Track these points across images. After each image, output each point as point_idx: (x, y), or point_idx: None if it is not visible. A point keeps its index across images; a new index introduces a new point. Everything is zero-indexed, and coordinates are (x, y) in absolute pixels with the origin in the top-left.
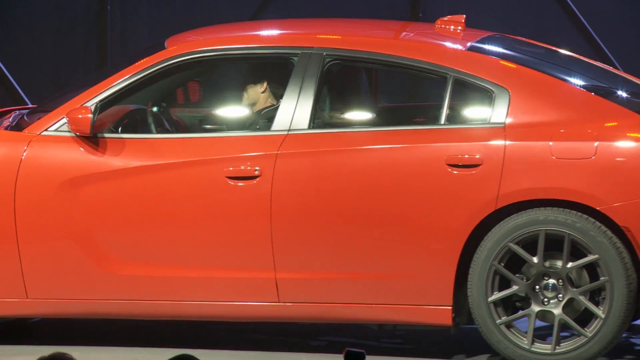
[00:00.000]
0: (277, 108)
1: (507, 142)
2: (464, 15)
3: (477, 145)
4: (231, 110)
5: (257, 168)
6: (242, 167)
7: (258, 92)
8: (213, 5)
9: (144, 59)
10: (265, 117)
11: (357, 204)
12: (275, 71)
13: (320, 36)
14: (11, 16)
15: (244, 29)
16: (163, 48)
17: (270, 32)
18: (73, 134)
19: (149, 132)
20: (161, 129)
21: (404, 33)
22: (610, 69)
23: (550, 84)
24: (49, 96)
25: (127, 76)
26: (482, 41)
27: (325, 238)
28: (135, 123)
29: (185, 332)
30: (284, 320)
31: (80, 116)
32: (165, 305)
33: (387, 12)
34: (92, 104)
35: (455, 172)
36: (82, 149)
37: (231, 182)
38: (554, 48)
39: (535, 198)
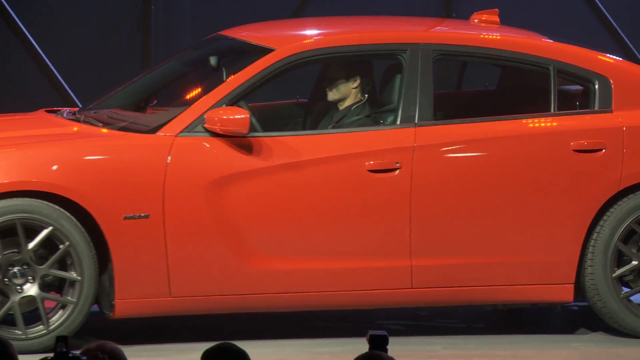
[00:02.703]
0: (365, 103)
1: (624, 127)
2: (497, 10)
3: (599, 130)
4: (323, 106)
5: (397, 161)
6: (383, 161)
7: (350, 88)
8: (253, 3)
9: (260, 59)
10: (357, 113)
11: (490, 191)
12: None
13: (427, 33)
14: (58, 18)
15: (321, 25)
16: (223, 40)
17: (368, 30)
18: (209, 134)
19: (280, 129)
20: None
21: (490, 28)
22: None
23: (637, 71)
24: (99, 94)
25: (250, 77)
26: (542, 35)
27: (459, 224)
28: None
29: (244, 324)
30: (415, 305)
31: (239, 116)
32: (310, 297)
33: (421, 12)
34: (222, 104)
35: (581, 157)
36: (227, 148)
37: (373, 175)
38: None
39: None
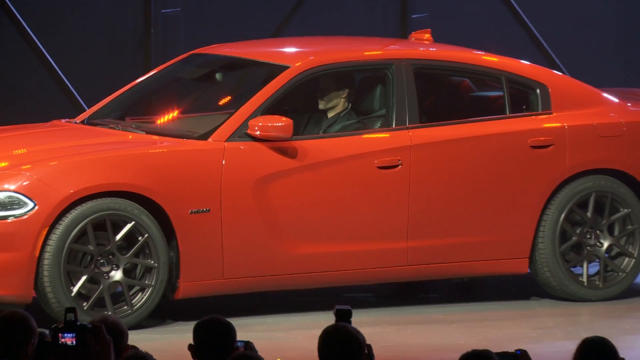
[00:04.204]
0: (350, 111)
1: (566, 126)
2: (430, 30)
3: (549, 129)
4: (306, 114)
5: (399, 158)
6: (388, 158)
7: (340, 97)
8: (237, 27)
9: (281, 75)
10: (347, 119)
11: (468, 182)
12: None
13: (407, 50)
14: (72, 37)
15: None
16: (193, 59)
17: (360, 49)
18: (251, 139)
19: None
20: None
21: (435, 45)
22: None
23: (570, 80)
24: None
25: (275, 90)
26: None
27: (444, 210)
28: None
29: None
30: (409, 280)
31: (281, 124)
32: (329, 276)
33: (381, 32)
34: (257, 114)
35: (536, 152)
36: (268, 151)
37: (381, 171)
38: None
39: (590, 168)
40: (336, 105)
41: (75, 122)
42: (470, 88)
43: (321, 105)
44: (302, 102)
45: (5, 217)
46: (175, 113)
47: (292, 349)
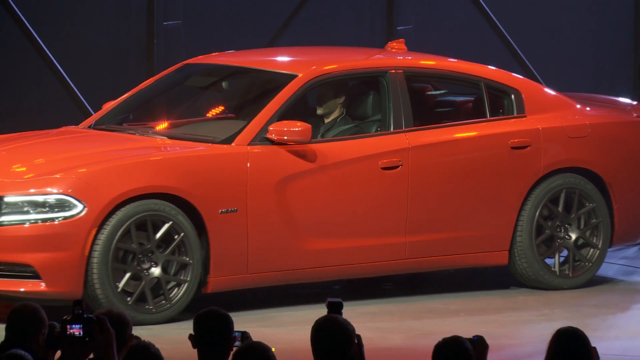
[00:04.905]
0: (345, 116)
1: (540, 128)
2: (403, 40)
3: (526, 131)
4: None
5: (399, 159)
6: (390, 160)
7: (337, 104)
8: (234, 38)
9: (292, 83)
10: (343, 124)
11: (458, 181)
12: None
13: (399, 60)
14: (79, 47)
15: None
16: (186, 68)
17: (358, 58)
18: (270, 143)
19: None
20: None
21: (429, 56)
22: None
23: (537, 85)
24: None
25: (288, 97)
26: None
27: (437, 207)
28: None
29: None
30: (407, 272)
31: (299, 128)
32: (339, 269)
33: (369, 43)
34: (274, 119)
35: (515, 152)
36: (287, 154)
37: (384, 172)
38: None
39: (562, 167)
40: (333, 111)
41: (84, 128)
42: (432, 94)
43: (319, 111)
44: (294, 108)
45: (54, 219)
46: (189, 119)
47: (287, 340)
